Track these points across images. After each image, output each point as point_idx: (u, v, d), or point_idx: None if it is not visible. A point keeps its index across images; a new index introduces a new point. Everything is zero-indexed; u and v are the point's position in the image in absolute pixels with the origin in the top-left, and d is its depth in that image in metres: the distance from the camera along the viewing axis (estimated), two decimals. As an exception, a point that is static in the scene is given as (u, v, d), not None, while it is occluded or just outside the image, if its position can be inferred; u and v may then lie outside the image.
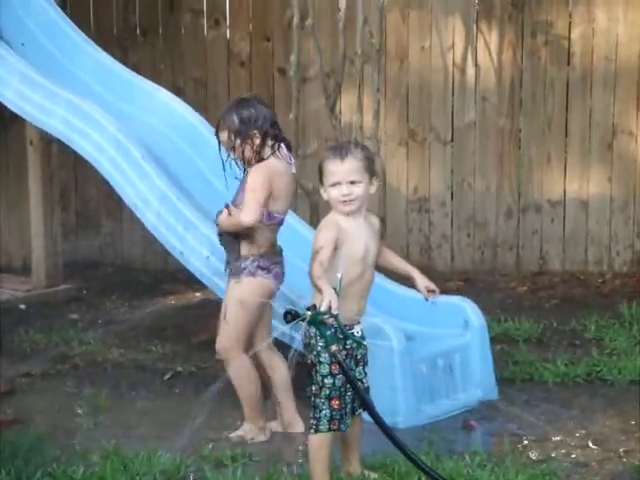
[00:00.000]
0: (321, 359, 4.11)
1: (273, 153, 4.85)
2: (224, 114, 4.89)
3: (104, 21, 8.23)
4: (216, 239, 5.00)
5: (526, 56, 7.82)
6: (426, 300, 4.36)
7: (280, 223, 4.92)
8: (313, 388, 4.15)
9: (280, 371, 4.93)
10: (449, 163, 8.01)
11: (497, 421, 5.13)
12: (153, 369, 5.92)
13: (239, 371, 4.88)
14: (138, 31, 8.29)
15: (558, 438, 4.88)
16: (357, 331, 4.23)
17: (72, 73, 6.62)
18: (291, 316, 3.97)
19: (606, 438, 4.88)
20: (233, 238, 4.86)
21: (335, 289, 3.93)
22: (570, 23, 7.76)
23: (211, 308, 5.86)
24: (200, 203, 5.69)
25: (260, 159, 4.84)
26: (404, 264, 4.44)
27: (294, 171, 4.95)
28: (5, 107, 6.45)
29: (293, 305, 4.47)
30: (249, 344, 4.87)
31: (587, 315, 6.64)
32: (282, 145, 4.90)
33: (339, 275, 3.99)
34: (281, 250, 4.94)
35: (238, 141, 4.83)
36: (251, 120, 4.84)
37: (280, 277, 4.90)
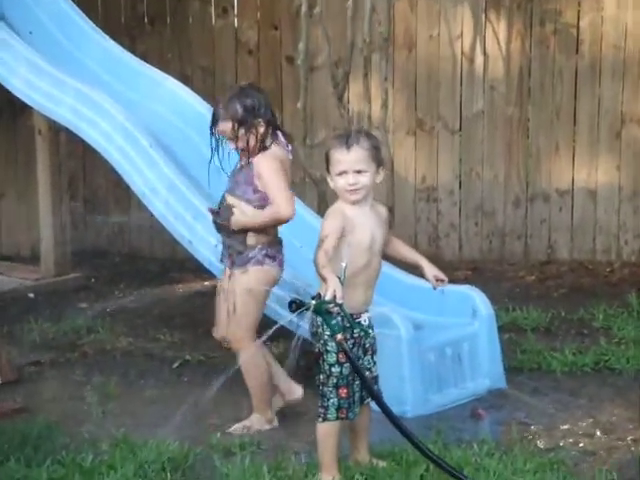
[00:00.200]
0: (328, 348, 4.12)
1: (274, 141, 4.84)
2: (226, 104, 4.84)
3: (112, 9, 8.23)
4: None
5: (535, 45, 7.79)
6: (434, 289, 4.37)
7: None
8: (321, 377, 4.16)
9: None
10: (457, 152, 8.00)
11: (505, 410, 5.13)
12: (162, 357, 5.93)
13: (250, 361, 4.88)
14: (146, 20, 8.28)
15: (566, 427, 4.89)
16: (364, 320, 4.23)
17: (80, 61, 6.63)
18: (296, 305, 3.97)
19: (614, 427, 4.88)
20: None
21: (340, 278, 3.93)
22: (579, 11, 7.73)
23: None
24: (208, 192, 5.69)
25: (264, 147, 4.83)
26: (412, 253, 4.44)
27: (291, 157, 4.95)
28: (14, 96, 6.46)
29: (300, 294, 4.47)
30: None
31: (595, 304, 6.64)
32: (279, 132, 4.89)
33: (343, 264, 3.99)
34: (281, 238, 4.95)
35: (242, 131, 4.79)
36: (255, 108, 4.84)
37: (283, 265, 4.91)
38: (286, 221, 4.83)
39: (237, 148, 4.85)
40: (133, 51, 7.05)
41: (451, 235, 8.05)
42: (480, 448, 4.51)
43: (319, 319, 4.06)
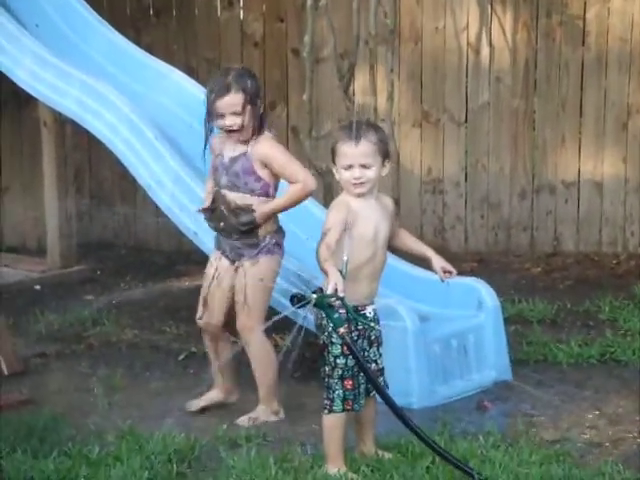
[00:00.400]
0: (333, 340, 4.12)
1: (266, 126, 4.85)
2: (236, 77, 4.76)
3: (117, 1, 8.21)
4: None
5: (541, 37, 7.77)
6: (442, 281, 4.36)
7: None
8: (326, 369, 4.17)
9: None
10: (463, 144, 7.99)
11: (511, 402, 5.14)
12: (167, 350, 5.94)
13: (260, 351, 4.89)
14: (151, 12, 8.26)
15: (572, 418, 4.89)
16: (369, 312, 4.24)
17: (86, 54, 6.63)
18: (297, 299, 3.97)
19: (620, 418, 4.88)
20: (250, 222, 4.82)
21: (341, 271, 3.93)
22: (585, 3, 7.70)
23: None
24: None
25: (260, 131, 4.80)
26: (420, 245, 4.43)
27: None
28: (19, 88, 6.46)
29: (307, 285, 4.47)
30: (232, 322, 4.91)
31: (601, 296, 6.63)
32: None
33: (345, 258, 4.00)
34: None
35: (249, 107, 4.75)
36: (259, 88, 4.87)
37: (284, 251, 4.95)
38: (311, 194, 4.87)
39: (239, 126, 4.74)
40: (138, 43, 7.05)
41: (457, 227, 8.04)
42: (486, 440, 4.51)
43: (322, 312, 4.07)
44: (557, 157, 7.86)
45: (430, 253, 4.36)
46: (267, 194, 4.82)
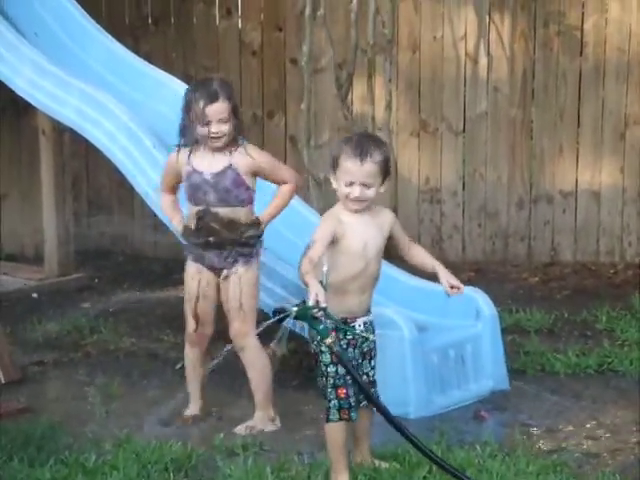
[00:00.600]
0: (322, 348, 4.12)
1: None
2: (222, 85, 4.78)
3: (116, 10, 8.23)
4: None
5: (538, 46, 7.79)
6: (448, 296, 4.32)
7: None
8: (321, 379, 4.16)
9: None
10: (461, 153, 8.00)
11: (508, 411, 5.13)
12: (165, 358, 5.93)
13: (256, 356, 4.90)
14: (150, 20, 8.28)
15: (569, 429, 4.89)
16: (359, 324, 4.20)
17: (84, 62, 6.63)
18: (279, 313, 3.96)
19: (617, 429, 4.88)
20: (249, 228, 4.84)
21: (322, 282, 3.91)
22: (583, 13, 7.73)
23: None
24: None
25: (235, 141, 4.80)
26: (429, 259, 4.35)
27: None
28: (17, 96, 6.47)
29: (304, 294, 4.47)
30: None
31: (599, 306, 6.64)
32: None
33: (324, 269, 3.96)
34: None
35: (233, 119, 4.77)
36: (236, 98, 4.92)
37: None
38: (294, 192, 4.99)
39: (224, 133, 4.73)
40: (137, 51, 7.06)
41: (454, 236, 8.05)
42: (483, 450, 4.51)
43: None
44: (555, 167, 7.88)
45: (439, 268, 4.28)
46: (252, 201, 4.87)
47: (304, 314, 3.92)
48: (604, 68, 7.72)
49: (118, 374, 5.65)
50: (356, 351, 4.21)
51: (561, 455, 4.52)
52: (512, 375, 5.46)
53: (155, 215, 5.76)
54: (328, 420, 4.16)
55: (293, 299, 4.34)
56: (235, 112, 4.79)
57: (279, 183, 4.92)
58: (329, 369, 4.13)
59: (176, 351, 6.01)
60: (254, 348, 4.87)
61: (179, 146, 4.85)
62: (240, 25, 8.17)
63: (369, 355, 4.26)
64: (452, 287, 4.25)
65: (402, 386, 4.96)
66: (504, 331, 5.64)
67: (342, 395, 4.14)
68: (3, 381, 5.48)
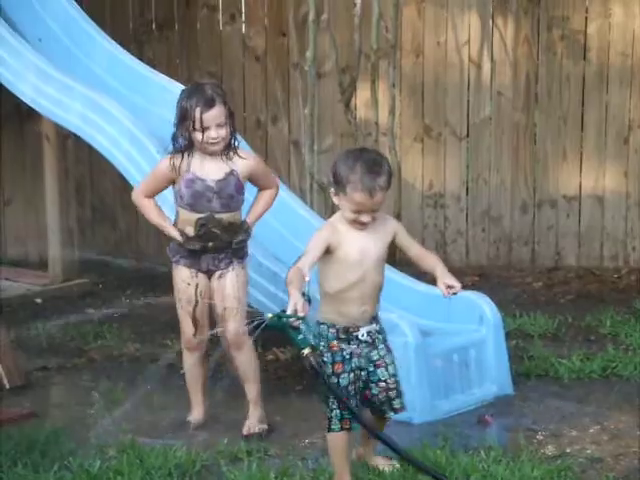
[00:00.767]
0: (324, 359, 4.10)
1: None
2: (217, 90, 4.80)
3: (120, 16, 8.25)
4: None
5: (542, 51, 7.80)
6: (444, 296, 4.30)
7: None
8: (324, 389, 4.14)
9: None
10: (464, 158, 8.00)
11: (512, 416, 5.13)
12: (169, 363, 5.93)
13: (252, 355, 4.96)
14: (154, 26, 8.30)
15: (573, 433, 4.88)
16: (362, 334, 4.14)
17: (88, 68, 6.64)
18: (255, 321, 3.94)
19: (621, 434, 4.87)
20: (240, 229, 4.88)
21: (304, 293, 3.85)
22: (586, 18, 7.73)
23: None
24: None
25: (231, 145, 4.81)
26: (433, 260, 4.25)
27: None
28: (22, 102, 6.48)
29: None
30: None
31: (603, 310, 6.63)
32: None
33: (307, 279, 3.89)
34: None
35: (229, 122, 4.78)
36: None
37: None
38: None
39: (223, 138, 4.73)
40: (141, 57, 7.08)
41: (458, 241, 8.05)
42: (487, 455, 4.50)
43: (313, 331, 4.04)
44: (558, 171, 7.87)
45: (438, 268, 4.19)
46: (243, 204, 4.92)
47: (282, 324, 3.85)
48: (608, 73, 7.72)
49: (122, 380, 5.65)
50: (362, 360, 4.16)
51: (565, 460, 4.51)
52: (516, 380, 5.45)
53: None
54: (330, 430, 4.15)
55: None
56: (231, 115, 4.80)
57: (264, 188, 4.95)
58: (332, 379, 4.11)
59: (180, 357, 6.01)
60: (250, 346, 4.92)
61: (173, 153, 4.82)
62: (244, 30, 8.19)
63: (383, 363, 4.19)
64: (448, 287, 4.12)
65: (406, 391, 4.91)
66: (508, 336, 5.64)
67: (343, 407, 4.11)
68: (7, 386, 5.48)
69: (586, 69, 7.76)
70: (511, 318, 6.42)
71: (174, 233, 4.87)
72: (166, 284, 7.55)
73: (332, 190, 4.12)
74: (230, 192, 4.79)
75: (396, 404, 4.24)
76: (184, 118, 4.74)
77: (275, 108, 8.12)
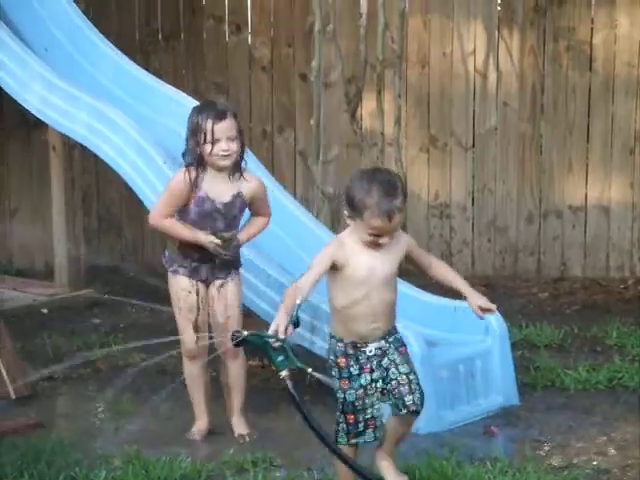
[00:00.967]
0: (333, 373, 4.09)
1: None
2: (229, 105, 4.88)
3: (126, 26, 8.26)
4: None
5: (548, 62, 7.80)
6: (481, 319, 4.22)
7: None
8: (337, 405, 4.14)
9: None
10: (470, 168, 8.00)
11: (518, 427, 5.12)
12: (174, 373, 5.91)
13: (244, 365, 5.05)
14: (160, 36, 8.32)
15: (580, 444, 4.87)
16: (370, 350, 4.08)
17: (94, 78, 6.65)
18: (234, 337, 3.94)
19: (628, 445, 4.86)
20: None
21: (292, 316, 3.82)
22: (592, 29, 7.74)
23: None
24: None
25: (239, 166, 4.83)
26: (453, 276, 4.23)
27: None
28: (28, 112, 6.49)
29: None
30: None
31: (609, 321, 6.62)
32: None
33: (298, 302, 3.85)
34: None
35: (239, 139, 4.80)
36: None
37: None
38: None
39: (234, 151, 4.74)
40: (147, 67, 7.08)
41: (464, 251, 8.04)
42: (493, 466, 4.50)
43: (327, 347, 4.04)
44: (564, 182, 7.87)
45: (466, 290, 4.16)
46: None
47: (262, 342, 3.84)
48: (613, 83, 7.72)
49: (128, 390, 5.64)
50: (375, 374, 4.09)
51: (571, 471, 4.51)
52: (522, 390, 5.44)
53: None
54: (336, 442, 4.14)
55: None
56: (240, 133, 4.81)
57: (259, 214, 4.96)
58: (338, 395, 4.09)
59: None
60: (243, 356, 5.01)
61: (187, 166, 4.82)
62: (250, 41, 8.20)
63: (392, 364, 4.07)
64: (484, 310, 4.09)
65: (412, 402, 4.94)
66: (514, 346, 5.63)
67: (351, 421, 4.10)
68: (14, 397, 5.48)
69: (592, 80, 7.76)
70: (517, 328, 6.41)
71: (210, 238, 4.82)
72: (172, 294, 7.61)
73: (346, 213, 4.02)
74: (235, 214, 4.86)
75: (408, 401, 4.05)
76: (195, 132, 4.76)
77: (281, 118, 8.13)
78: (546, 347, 6.26)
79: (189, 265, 4.89)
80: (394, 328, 4.17)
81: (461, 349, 5.34)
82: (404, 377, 4.09)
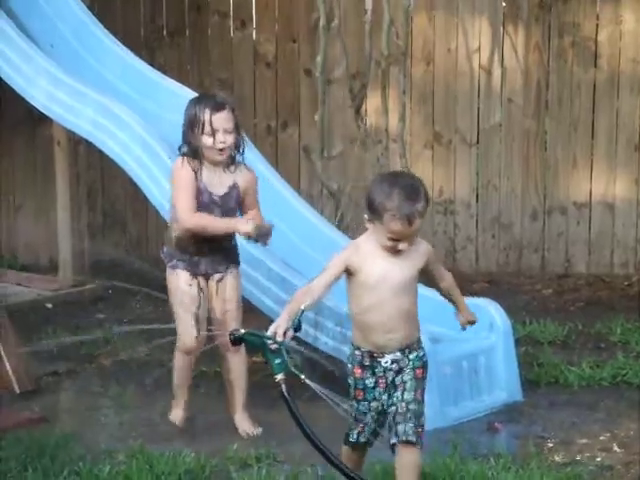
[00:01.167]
0: (349, 381, 4.07)
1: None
2: (227, 98, 4.85)
3: (132, 22, 8.27)
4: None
5: (553, 58, 7.79)
6: (463, 329, 4.31)
7: None
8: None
9: None
10: (474, 165, 8.00)
11: (522, 423, 5.13)
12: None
13: (245, 360, 5.03)
14: (165, 32, 8.32)
15: (583, 441, 4.88)
16: (386, 361, 3.98)
17: (99, 74, 6.66)
18: (232, 336, 3.94)
19: (631, 441, 4.86)
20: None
21: (294, 321, 3.79)
22: (597, 25, 7.73)
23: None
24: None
25: (234, 159, 4.84)
26: (454, 290, 4.25)
27: None
28: (33, 107, 6.50)
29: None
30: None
31: (613, 318, 6.62)
32: None
33: (302, 307, 3.81)
34: None
35: (236, 132, 4.81)
36: None
37: None
38: None
39: (230, 144, 4.76)
40: (152, 63, 7.09)
41: (468, 248, 8.04)
42: (497, 462, 4.50)
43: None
44: (569, 178, 7.87)
45: (459, 304, 4.25)
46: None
47: (260, 342, 3.83)
48: (618, 79, 7.71)
49: (132, 385, 5.66)
50: (388, 389, 4.01)
51: (575, 468, 4.51)
52: (525, 387, 5.45)
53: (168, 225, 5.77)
54: (345, 442, 4.12)
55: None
56: (237, 127, 4.82)
57: (247, 209, 4.93)
58: (353, 402, 4.04)
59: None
60: (244, 351, 4.99)
61: (183, 156, 4.84)
62: (254, 37, 8.20)
63: (402, 386, 3.97)
64: (469, 322, 4.24)
65: (415, 398, 4.94)
66: (517, 342, 5.63)
67: (360, 429, 4.08)
68: (18, 391, 5.49)
69: (597, 76, 7.75)
70: (521, 325, 6.41)
71: (242, 225, 4.77)
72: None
73: (366, 217, 3.95)
74: (231, 205, 4.87)
75: (400, 431, 3.92)
76: (192, 124, 4.76)
77: (285, 114, 8.13)
78: (550, 343, 6.26)
79: (188, 259, 4.90)
80: (417, 343, 4.06)
81: (465, 345, 5.34)
82: (403, 405, 3.97)
